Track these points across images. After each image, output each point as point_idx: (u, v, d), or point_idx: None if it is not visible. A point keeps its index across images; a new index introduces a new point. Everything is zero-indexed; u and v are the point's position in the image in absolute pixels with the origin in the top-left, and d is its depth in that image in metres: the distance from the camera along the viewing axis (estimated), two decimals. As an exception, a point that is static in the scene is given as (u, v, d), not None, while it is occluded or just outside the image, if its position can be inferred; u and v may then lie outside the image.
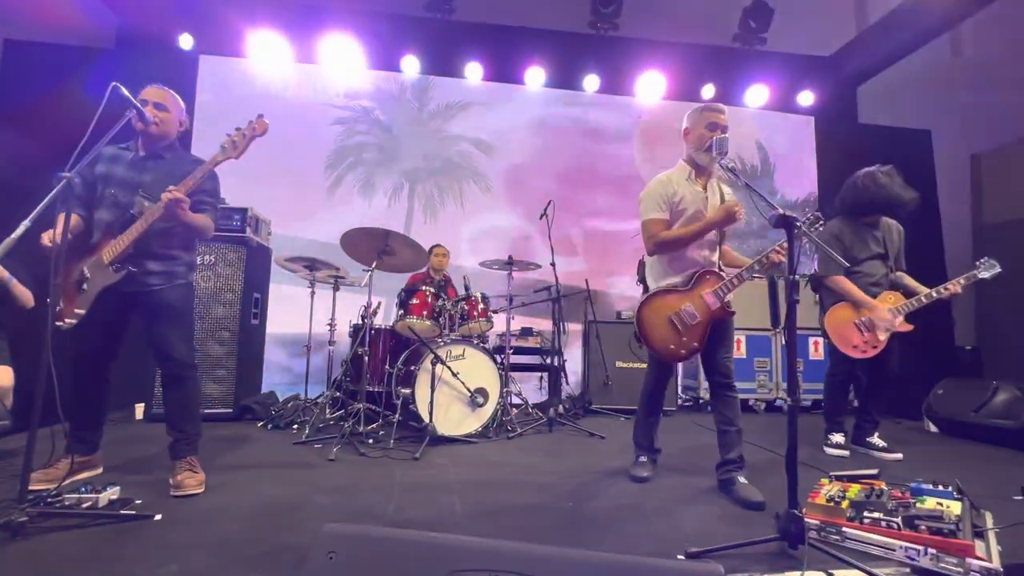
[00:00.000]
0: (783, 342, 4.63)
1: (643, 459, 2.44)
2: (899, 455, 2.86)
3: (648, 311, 2.25)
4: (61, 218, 2.04)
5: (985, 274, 2.80)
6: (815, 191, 5.65)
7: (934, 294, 2.81)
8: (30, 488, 1.63)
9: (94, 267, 1.99)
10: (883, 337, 2.81)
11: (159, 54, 4.56)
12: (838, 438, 3.00)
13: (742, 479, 2.12)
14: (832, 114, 5.64)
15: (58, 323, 1.95)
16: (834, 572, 1.42)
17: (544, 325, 4.54)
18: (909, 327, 2.85)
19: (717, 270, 2.26)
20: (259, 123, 2.03)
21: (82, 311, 1.97)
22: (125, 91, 1.95)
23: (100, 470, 2.22)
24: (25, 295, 2.78)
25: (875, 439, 2.97)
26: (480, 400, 3.17)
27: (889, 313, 2.80)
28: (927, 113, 5.64)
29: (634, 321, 2.29)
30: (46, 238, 1.89)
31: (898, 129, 5.59)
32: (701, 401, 4.57)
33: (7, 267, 2.79)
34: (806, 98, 5.51)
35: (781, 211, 1.69)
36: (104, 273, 1.98)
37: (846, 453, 2.93)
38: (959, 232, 5.58)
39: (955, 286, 2.79)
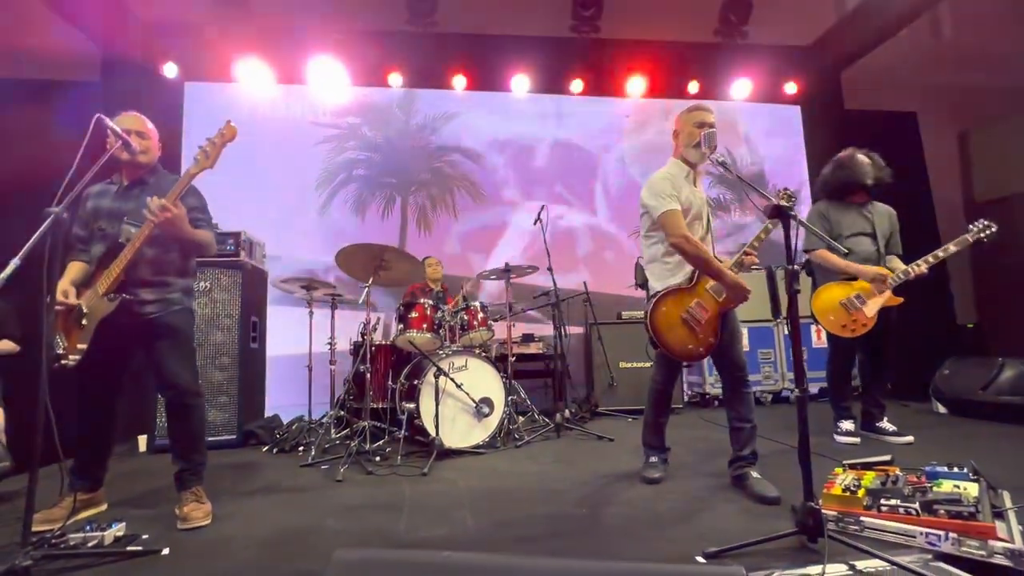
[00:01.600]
0: (785, 332, 4.62)
1: (654, 459, 2.41)
2: (910, 438, 2.84)
3: (660, 314, 2.20)
4: (71, 266, 2.07)
5: (981, 236, 2.74)
6: (806, 180, 5.66)
7: (931, 258, 2.76)
8: (33, 530, 1.60)
9: (90, 300, 1.96)
10: (871, 313, 2.78)
11: (144, 84, 4.56)
12: (847, 425, 2.98)
13: (755, 474, 2.10)
14: (817, 102, 5.66)
15: (63, 361, 1.92)
16: (856, 563, 1.40)
17: (545, 330, 4.52)
18: (898, 300, 2.82)
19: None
20: (227, 129, 2.03)
21: (83, 346, 1.93)
22: (110, 123, 1.95)
23: (104, 506, 2.18)
24: (6, 347, 2.80)
25: (884, 423, 2.95)
26: (486, 410, 3.14)
27: (876, 274, 2.78)
28: (911, 95, 5.68)
29: (646, 327, 2.22)
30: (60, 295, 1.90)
31: (884, 113, 5.63)
32: (708, 396, 4.55)
33: None
34: (790, 88, 5.54)
35: (775, 201, 1.69)
36: (100, 304, 1.95)
37: (857, 440, 2.91)
38: (952, 211, 5.60)
39: (943, 252, 2.75)
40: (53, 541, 1.66)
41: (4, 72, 4.51)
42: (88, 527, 1.75)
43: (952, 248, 2.74)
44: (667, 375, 2.37)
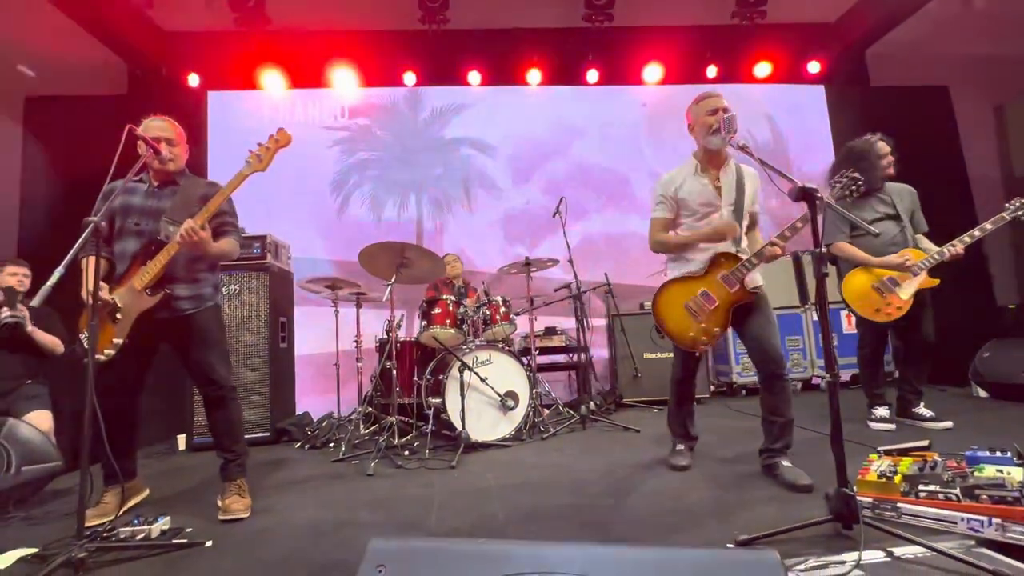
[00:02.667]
0: (814, 318, 4.51)
1: (680, 447, 2.41)
2: (949, 424, 2.76)
3: (663, 300, 2.23)
4: (90, 262, 2.11)
5: (1018, 214, 2.61)
6: (831, 161, 5.49)
7: (967, 238, 2.65)
8: (87, 524, 1.68)
9: (126, 295, 1.99)
10: (905, 296, 2.68)
11: (169, 95, 4.70)
12: (882, 412, 2.91)
13: (786, 462, 2.07)
14: (842, 81, 5.49)
15: (97, 356, 2.00)
16: (893, 550, 1.37)
17: (567, 323, 4.51)
18: (934, 282, 2.72)
19: (735, 252, 2.19)
20: (281, 135, 2.08)
21: (119, 340, 1.97)
22: (140, 132, 2.02)
23: (147, 492, 2.30)
24: (52, 342, 2.90)
25: (921, 409, 2.86)
26: (511, 403, 3.17)
27: (900, 257, 2.69)
28: (942, 69, 5.45)
29: (653, 312, 2.27)
30: (85, 293, 1.90)
31: (913, 88, 5.41)
32: (735, 386, 4.48)
33: (43, 314, 2.92)
34: (814, 67, 5.37)
35: (801, 184, 1.65)
36: (138, 299, 1.99)
37: (892, 426, 2.84)
38: (989, 187, 5.37)
39: (980, 232, 2.64)
40: (105, 535, 1.75)
41: (40, 90, 4.70)
42: (136, 521, 1.83)
43: (988, 227, 2.64)
44: (683, 366, 2.36)
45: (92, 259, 2.08)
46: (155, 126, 2.14)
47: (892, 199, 2.87)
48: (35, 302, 1.56)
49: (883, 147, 2.88)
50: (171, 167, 2.14)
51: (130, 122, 1.98)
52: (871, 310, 2.75)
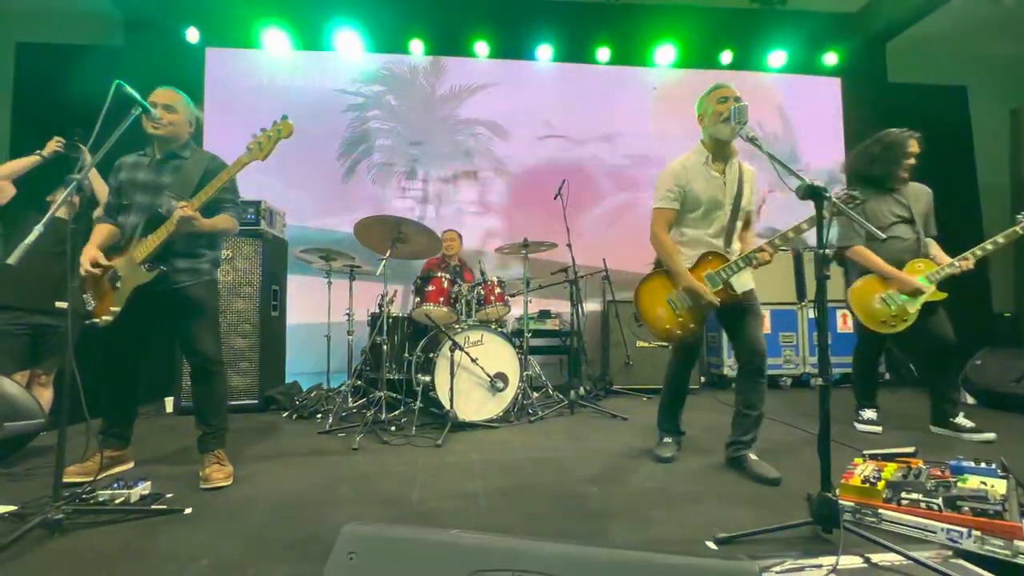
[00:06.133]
0: (810, 315, 4.50)
1: (667, 440, 2.42)
2: (992, 435, 2.60)
3: (646, 290, 2.23)
4: (98, 228, 2.15)
5: None
6: (841, 157, 5.40)
7: (978, 251, 2.60)
8: (66, 481, 1.68)
9: (126, 266, 2.03)
10: (912, 309, 2.65)
11: (166, 48, 4.55)
12: (870, 414, 2.91)
13: (753, 456, 2.11)
14: (860, 74, 5.35)
15: (94, 320, 2.03)
16: (871, 556, 1.37)
17: (562, 307, 4.48)
18: (942, 295, 2.68)
19: (723, 253, 2.17)
20: (284, 124, 2.03)
21: (116, 308, 2.02)
22: (129, 88, 1.93)
23: (131, 464, 2.28)
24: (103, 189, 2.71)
25: (960, 420, 2.72)
26: (500, 385, 3.16)
27: (918, 280, 2.65)
28: (962, 68, 5.32)
29: (634, 299, 2.26)
30: (86, 262, 2.00)
31: (931, 86, 5.29)
32: (726, 378, 4.49)
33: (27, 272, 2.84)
34: (831, 59, 5.23)
35: (809, 181, 1.60)
36: (137, 272, 2.02)
37: (878, 429, 2.84)
38: (997, 192, 5.30)
39: (992, 245, 2.60)
40: (83, 497, 1.74)
41: (31, 35, 4.54)
42: (116, 485, 1.83)
43: (1001, 240, 2.60)
44: (683, 360, 2.37)
45: (103, 225, 2.16)
46: (157, 92, 2.12)
47: (908, 201, 2.78)
48: (12, 260, 1.51)
49: (914, 146, 2.75)
50: (163, 132, 2.09)
51: (124, 75, 1.90)
52: (877, 321, 2.70)
